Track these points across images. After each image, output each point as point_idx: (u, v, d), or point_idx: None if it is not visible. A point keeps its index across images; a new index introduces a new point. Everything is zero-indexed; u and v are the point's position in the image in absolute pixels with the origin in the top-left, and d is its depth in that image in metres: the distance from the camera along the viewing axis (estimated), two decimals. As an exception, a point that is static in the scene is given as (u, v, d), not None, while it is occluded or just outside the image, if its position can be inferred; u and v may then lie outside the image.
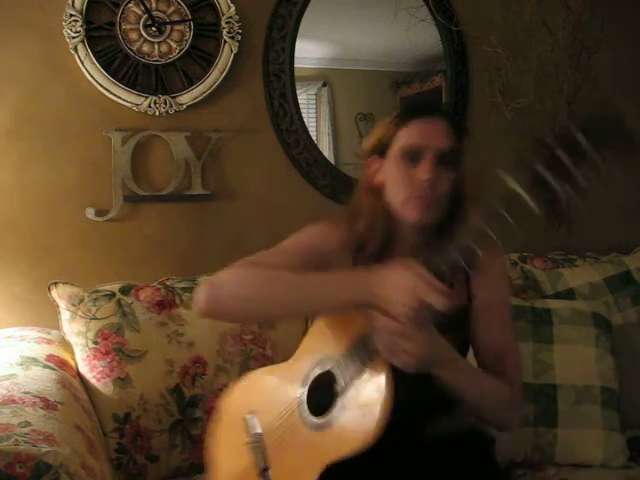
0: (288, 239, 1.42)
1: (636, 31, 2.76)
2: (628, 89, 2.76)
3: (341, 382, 1.23)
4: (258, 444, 1.35)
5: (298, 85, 2.25)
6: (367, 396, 1.19)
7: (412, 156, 1.29)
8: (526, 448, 1.81)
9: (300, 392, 1.31)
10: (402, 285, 1.10)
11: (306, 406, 1.29)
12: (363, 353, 1.20)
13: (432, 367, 1.19)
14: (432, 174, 1.27)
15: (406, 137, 1.31)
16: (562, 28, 2.47)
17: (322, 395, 1.27)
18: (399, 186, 1.31)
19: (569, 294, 2.16)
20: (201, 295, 1.29)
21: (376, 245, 1.35)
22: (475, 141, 2.48)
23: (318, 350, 1.30)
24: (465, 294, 1.38)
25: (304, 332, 1.41)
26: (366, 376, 1.20)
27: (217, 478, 1.42)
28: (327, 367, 1.27)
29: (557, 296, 2.17)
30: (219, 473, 1.42)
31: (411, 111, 1.35)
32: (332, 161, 2.36)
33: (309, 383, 1.31)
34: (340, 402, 1.24)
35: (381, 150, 1.35)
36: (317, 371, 1.30)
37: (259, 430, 1.35)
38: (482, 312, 1.37)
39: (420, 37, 2.39)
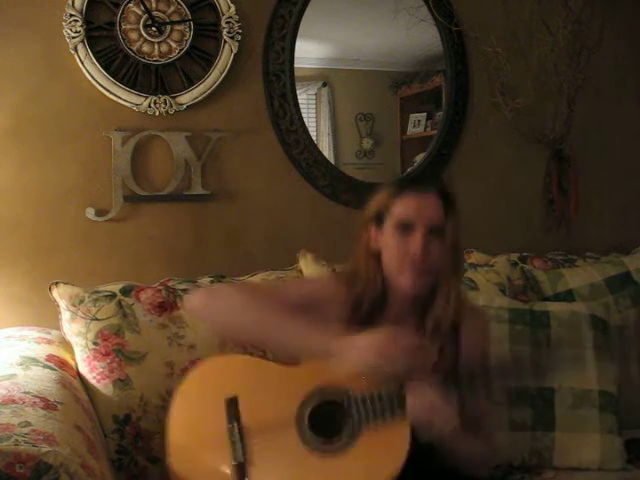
0: (289, 283, 1.57)
1: (636, 31, 2.76)
2: (628, 89, 2.76)
3: (355, 417, 1.32)
4: (239, 436, 1.36)
5: (298, 85, 2.25)
6: (387, 442, 1.30)
7: (405, 227, 1.37)
8: (524, 452, 1.81)
9: (299, 408, 1.36)
10: (357, 350, 1.27)
11: (307, 425, 1.35)
12: (394, 405, 1.31)
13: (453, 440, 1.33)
14: (423, 247, 1.35)
15: (400, 209, 1.39)
16: (562, 28, 2.47)
17: (323, 419, 1.34)
18: (393, 255, 1.40)
19: (569, 295, 2.16)
20: (197, 299, 1.45)
21: (368, 308, 1.43)
22: (475, 141, 2.52)
23: (325, 374, 1.35)
24: (455, 355, 1.45)
25: (361, 326, 1.44)
26: (388, 423, 1.32)
27: (173, 443, 1.42)
28: (332, 397, 1.35)
29: (557, 297, 2.17)
30: (177, 439, 1.42)
31: (406, 183, 1.44)
32: (332, 161, 2.36)
33: (311, 405, 1.36)
34: (349, 436, 1.33)
35: (378, 218, 1.43)
36: (318, 397, 1.37)
37: (243, 420, 1.37)
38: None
39: (420, 37, 2.40)
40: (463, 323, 1.46)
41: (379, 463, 1.30)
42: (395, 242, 1.39)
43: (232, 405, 1.39)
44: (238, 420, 1.37)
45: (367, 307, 1.43)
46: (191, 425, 1.43)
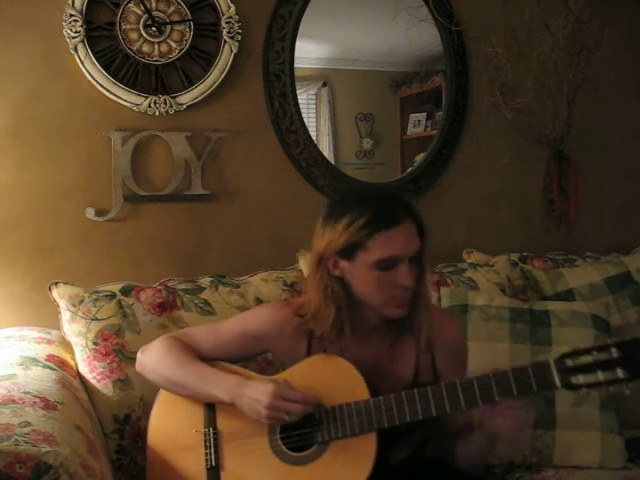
0: (230, 320, 1.55)
1: (636, 31, 2.76)
2: (628, 89, 2.76)
3: (325, 429, 1.35)
4: (213, 441, 1.41)
5: (298, 85, 2.25)
6: (354, 455, 1.33)
7: (388, 265, 1.34)
8: (524, 450, 1.81)
9: None
10: (251, 400, 1.34)
11: (279, 435, 1.38)
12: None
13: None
14: (412, 281, 1.35)
15: (380, 249, 1.33)
16: (562, 28, 2.47)
17: (294, 428, 1.36)
18: (377, 291, 1.36)
19: (569, 294, 2.16)
20: (137, 360, 1.53)
21: (330, 330, 1.42)
22: (475, 141, 2.52)
23: (300, 386, 1.37)
24: (431, 372, 1.47)
25: (307, 355, 1.46)
26: (357, 436, 1.34)
27: (152, 441, 1.47)
28: None
29: (557, 296, 2.17)
30: (156, 439, 1.47)
31: (379, 222, 1.33)
32: (332, 161, 2.36)
33: None
34: (318, 447, 1.35)
35: (347, 251, 1.36)
36: None
37: (218, 426, 1.42)
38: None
39: (420, 37, 2.40)
40: (436, 333, 1.47)
41: (345, 474, 1.33)
42: (377, 277, 1.35)
43: (209, 410, 1.43)
44: (214, 425, 1.42)
45: (327, 331, 1.42)
46: (170, 428, 1.46)
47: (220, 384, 1.40)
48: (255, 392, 1.34)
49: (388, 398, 1.34)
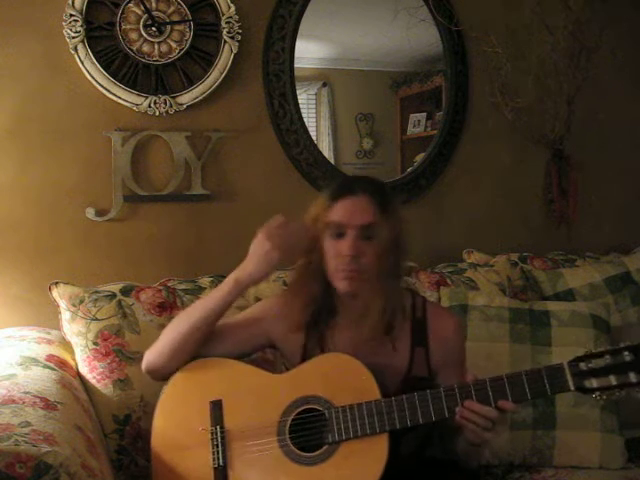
0: (232, 316, 1.56)
1: (636, 31, 2.76)
2: (628, 89, 2.76)
3: (335, 429, 1.34)
4: (221, 440, 1.39)
5: (298, 85, 2.25)
6: (365, 455, 1.32)
7: (337, 232, 1.40)
8: (524, 450, 1.81)
9: (281, 416, 1.38)
10: (252, 254, 1.44)
11: (288, 434, 1.37)
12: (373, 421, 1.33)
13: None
14: (353, 250, 1.38)
15: (332, 216, 1.41)
16: (562, 28, 2.47)
17: (304, 429, 1.36)
18: (329, 260, 1.42)
19: (569, 294, 2.16)
20: (144, 362, 1.51)
21: (318, 313, 1.46)
22: (475, 141, 2.52)
23: (309, 385, 1.38)
24: (425, 367, 1.47)
25: (304, 346, 1.48)
26: (368, 437, 1.33)
27: (157, 439, 1.45)
28: (315, 408, 1.37)
29: (557, 296, 2.17)
30: (161, 437, 1.45)
31: (337, 191, 1.44)
32: (332, 161, 2.36)
33: (293, 414, 1.38)
34: (328, 448, 1.34)
35: (316, 227, 1.44)
36: (303, 405, 1.39)
37: (225, 425, 1.40)
38: (445, 379, 1.45)
39: (420, 37, 2.40)
40: (430, 325, 1.48)
41: (356, 477, 1.32)
42: (329, 247, 1.41)
43: (216, 408, 1.41)
44: (221, 424, 1.40)
45: (316, 313, 1.47)
46: (174, 427, 1.44)
47: (218, 288, 1.46)
48: (250, 251, 1.44)
49: (400, 399, 1.33)
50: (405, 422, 1.32)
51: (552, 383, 1.29)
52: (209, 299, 1.47)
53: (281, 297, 1.55)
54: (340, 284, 1.41)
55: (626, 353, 1.26)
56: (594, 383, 1.26)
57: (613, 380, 1.25)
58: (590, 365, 1.27)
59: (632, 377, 1.24)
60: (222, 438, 1.39)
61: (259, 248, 1.42)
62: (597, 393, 1.26)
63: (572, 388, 1.27)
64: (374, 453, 1.32)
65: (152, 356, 1.48)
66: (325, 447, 1.35)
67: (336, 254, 1.40)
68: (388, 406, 1.33)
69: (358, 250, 1.38)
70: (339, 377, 1.38)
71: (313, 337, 1.48)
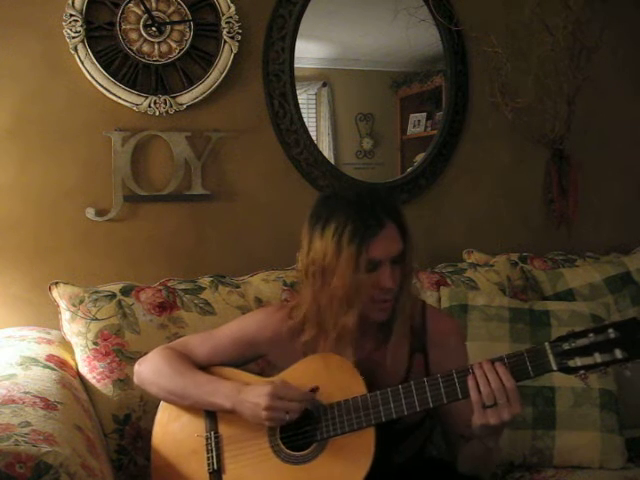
0: (225, 326, 1.55)
1: (636, 31, 2.76)
2: (628, 89, 2.76)
3: (322, 427, 1.35)
4: (215, 445, 1.42)
5: (298, 85, 2.25)
6: (352, 451, 1.33)
7: (371, 267, 1.35)
8: (524, 451, 1.81)
9: None
10: (250, 404, 1.35)
11: (278, 435, 1.38)
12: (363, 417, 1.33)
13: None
14: (394, 282, 1.36)
15: (370, 254, 1.34)
16: (562, 28, 2.47)
17: (294, 428, 1.37)
18: (361, 292, 1.35)
19: (569, 294, 2.16)
20: (134, 372, 1.53)
21: (313, 333, 1.43)
22: (475, 141, 2.52)
23: (298, 385, 1.38)
24: (424, 373, 1.46)
25: (304, 354, 1.46)
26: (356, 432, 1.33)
27: (157, 445, 1.48)
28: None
29: (557, 296, 2.17)
30: (161, 443, 1.48)
31: (368, 230, 1.34)
32: (332, 161, 2.36)
33: None
34: (317, 446, 1.35)
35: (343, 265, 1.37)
36: None
37: (219, 430, 1.43)
38: None
39: (420, 37, 2.40)
40: (429, 330, 1.48)
41: (344, 472, 1.32)
42: (361, 280, 1.34)
43: (210, 414, 1.44)
44: (215, 429, 1.43)
45: (309, 333, 1.43)
46: (172, 434, 1.47)
47: (219, 392, 1.41)
48: (253, 396, 1.35)
49: (385, 392, 1.33)
50: (390, 415, 1.32)
51: (534, 365, 1.27)
52: (204, 397, 1.42)
53: (279, 316, 1.50)
54: (378, 315, 1.40)
55: (610, 330, 1.24)
56: (578, 362, 1.24)
57: (598, 358, 1.24)
58: (574, 344, 1.25)
59: (618, 354, 1.23)
60: (216, 443, 1.42)
61: (257, 409, 1.34)
62: (582, 372, 1.24)
63: (555, 368, 1.25)
64: (361, 448, 1.32)
65: (146, 382, 1.50)
66: (314, 445, 1.36)
67: (373, 286, 1.35)
68: (373, 400, 1.33)
69: (396, 281, 1.37)
70: (327, 376, 1.39)
71: (312, 348, 1.46)
